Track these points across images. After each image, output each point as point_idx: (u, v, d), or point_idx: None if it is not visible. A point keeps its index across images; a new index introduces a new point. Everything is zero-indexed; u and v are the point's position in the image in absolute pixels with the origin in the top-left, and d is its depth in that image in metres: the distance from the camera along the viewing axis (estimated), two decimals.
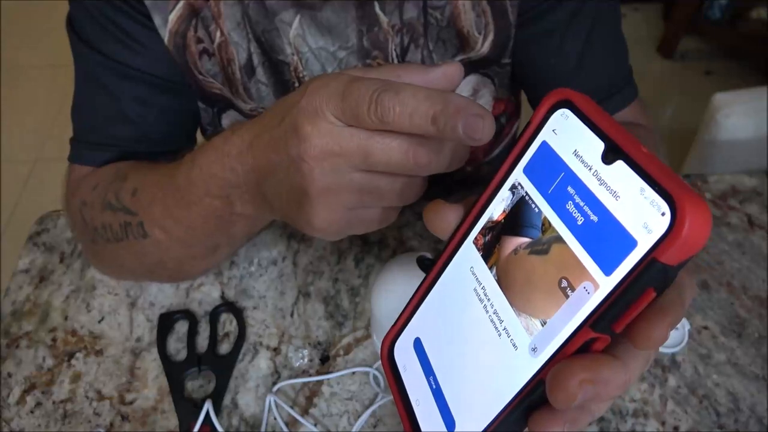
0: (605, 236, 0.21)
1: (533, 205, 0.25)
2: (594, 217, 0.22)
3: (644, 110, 0.61)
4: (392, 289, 0.50)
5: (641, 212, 0.20)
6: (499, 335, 0.25)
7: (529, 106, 0.66)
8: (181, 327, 0.60)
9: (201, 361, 0.56)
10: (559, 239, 0.23)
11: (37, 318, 0.61)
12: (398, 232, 0.66)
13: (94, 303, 0.62)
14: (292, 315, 0.60)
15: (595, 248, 0.21)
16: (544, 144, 0.25)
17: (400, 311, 0.31)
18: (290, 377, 0.55)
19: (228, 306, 0.60)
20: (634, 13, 2.35)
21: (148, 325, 0.60)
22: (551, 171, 0.24)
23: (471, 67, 0.59)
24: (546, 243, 0.24)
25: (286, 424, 0.52)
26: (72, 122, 0.59)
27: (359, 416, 0.53)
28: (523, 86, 0.65)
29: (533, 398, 0.23)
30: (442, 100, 0.27)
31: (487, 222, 0.27)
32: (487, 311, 0.26)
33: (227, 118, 0.63)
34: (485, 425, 0.24)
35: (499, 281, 0.26)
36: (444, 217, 0.29)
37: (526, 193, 0.25)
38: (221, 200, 0.40)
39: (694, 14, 2.03)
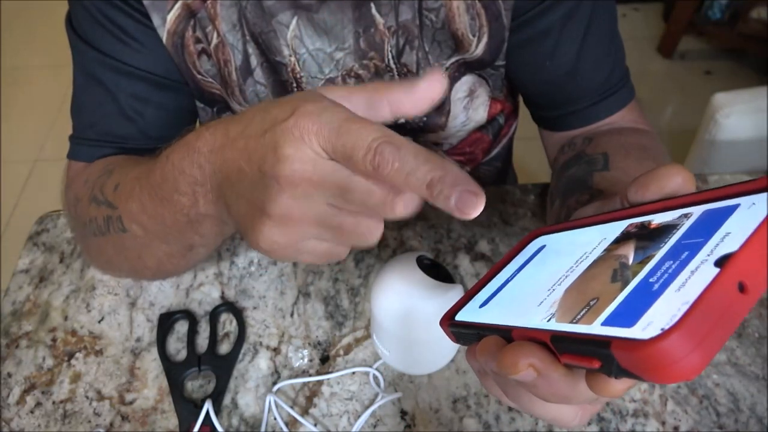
0: (638, 306, 0.21)
1: (666, 239, 0.24)
2: (657, 286, 0.22)
3: (641, 112, 0.61)
4: (392, 289, 0.50)
5: (665, 313, 0.20)
6: (548, 291, 0.27)
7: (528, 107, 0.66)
8: (181, 327, 0.60)
9: (201, 361, 0.56)
10: (628, 281, 0.23)
11: (37, 318, 0.61)
12: (398, 232, 0.66)
13: (94, 303, 0.62)
14: (292, 315, 0.60)
15: (625, 306, 0.22)
16: (734, 207, 0.23)
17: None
18: (290, 377, 0.55)
19: (228, 306, 0.60)
20: (634, 13, 2.36)
21: (148, 325, 0.60)
22: (706, 231, 0.23)
23: (467, 67, 0.59)
24: (623, 272, 0.24)
25: (286, 424, 0.52)
26: (71, 119, 0.59)
27: (359, 416, 0.53)
28: (519, 88, 0.65)
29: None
30: (442, 167, 0.26)
31: (648, 221, 0.27)
32: (566, 271, 0.28)
33: None
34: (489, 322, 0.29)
35: (590, 266, 0.27)
36: (672, 181, 0.28)
37: (678, 228, 0.25)
38: (187, 197, 0.39)
39: (694, 14, 2.03)
